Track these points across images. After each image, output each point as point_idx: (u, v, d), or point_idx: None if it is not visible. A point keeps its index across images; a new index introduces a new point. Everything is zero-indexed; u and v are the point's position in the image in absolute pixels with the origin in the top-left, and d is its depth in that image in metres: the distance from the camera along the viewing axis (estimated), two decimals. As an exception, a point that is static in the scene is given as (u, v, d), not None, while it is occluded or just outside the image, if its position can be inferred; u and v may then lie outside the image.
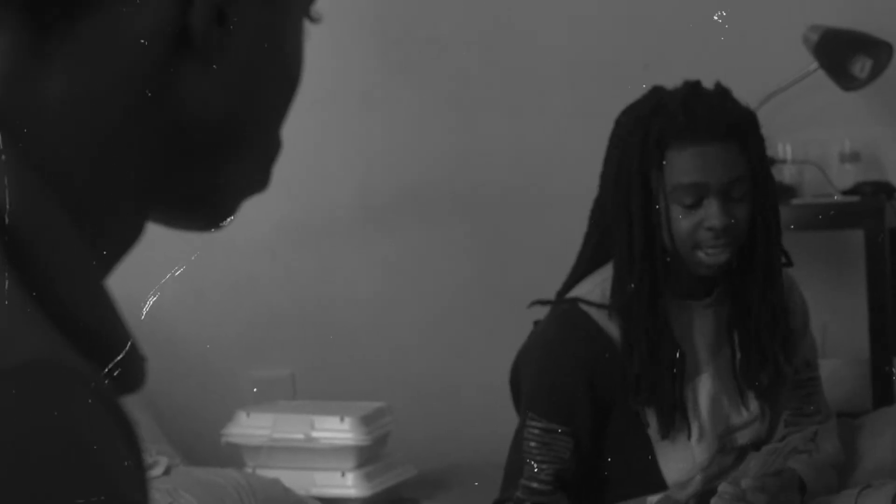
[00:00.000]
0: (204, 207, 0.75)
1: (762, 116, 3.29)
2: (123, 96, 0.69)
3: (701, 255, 2.17)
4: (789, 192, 3.28)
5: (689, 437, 2.24)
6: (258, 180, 0.76)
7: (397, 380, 3.35)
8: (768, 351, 2.27)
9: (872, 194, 3.25)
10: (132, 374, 0.67)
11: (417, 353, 3.43)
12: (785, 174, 3.34)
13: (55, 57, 0.68)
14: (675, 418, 2.22)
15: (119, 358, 0.66)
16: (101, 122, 0.69)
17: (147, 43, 0.69)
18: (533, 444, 2.22)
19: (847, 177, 3.35)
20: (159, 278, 3.33)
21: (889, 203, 3.20)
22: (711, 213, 2.14)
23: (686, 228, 2.16)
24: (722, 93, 2.21)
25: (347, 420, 2.70)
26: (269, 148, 0.76)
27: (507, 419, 2.35)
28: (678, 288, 2.24)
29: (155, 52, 0.69)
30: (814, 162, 3.34)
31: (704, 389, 2.27)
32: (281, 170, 0.77)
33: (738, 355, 2.29)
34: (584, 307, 2.22)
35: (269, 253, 3.43)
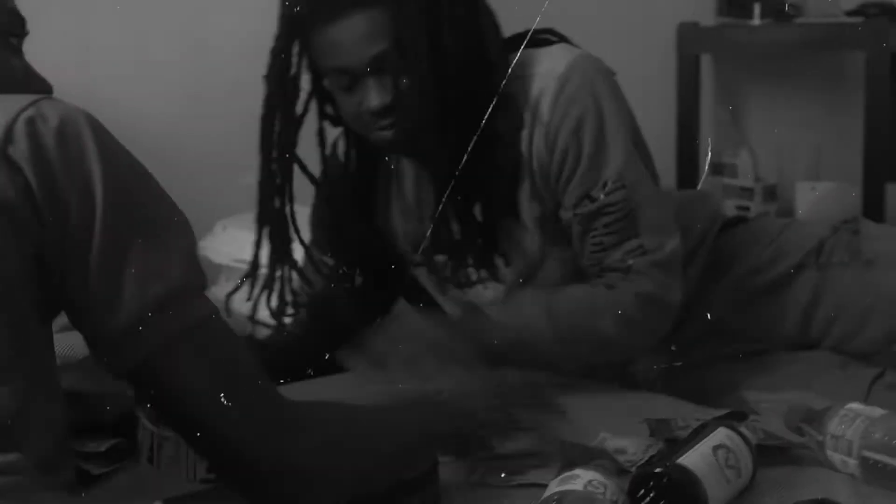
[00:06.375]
0: None
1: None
2: None
3: (374, 136, 1.92)
4: (794, 10, 3.24)
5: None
6: None
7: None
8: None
9: (876, 16, 3.21)
10: None
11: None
12: (789, -7, 3.31)
13: None
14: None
15: None
16: None
17: None
18: None
19: (852, -3, 3.32)
20: (153, 81, 3.30)
21: (892, 25, 3.16)
22: (366, 95, 1.88)
23: (351, 113, 1.92)
24: None
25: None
26: None
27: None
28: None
29: None
30: (819, -20, 3.30)
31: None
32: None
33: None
34: None
35: (261, 57, 3.39)
